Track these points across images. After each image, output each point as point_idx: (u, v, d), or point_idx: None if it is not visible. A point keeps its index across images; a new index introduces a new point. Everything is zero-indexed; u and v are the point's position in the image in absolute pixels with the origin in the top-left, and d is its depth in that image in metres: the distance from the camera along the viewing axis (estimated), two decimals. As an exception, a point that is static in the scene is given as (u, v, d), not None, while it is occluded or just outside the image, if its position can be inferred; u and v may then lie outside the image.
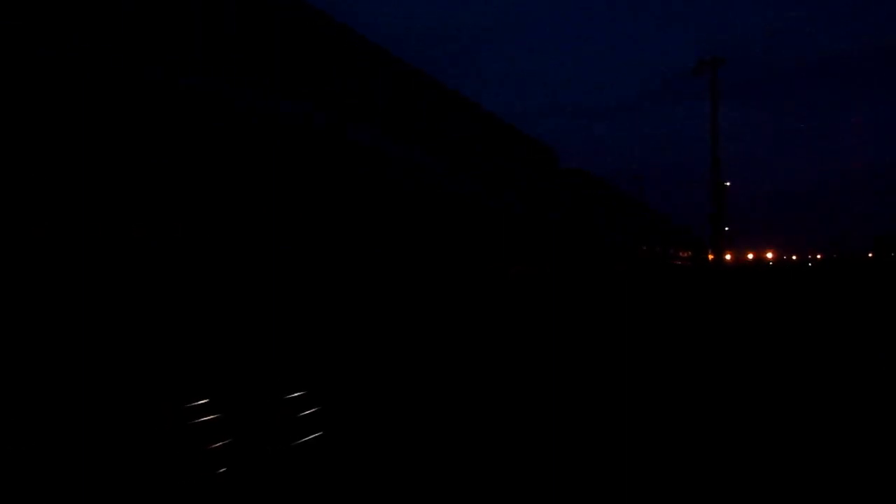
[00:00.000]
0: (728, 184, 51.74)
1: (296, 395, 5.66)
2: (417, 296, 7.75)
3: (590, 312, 15.06)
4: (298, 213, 5.77)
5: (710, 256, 49.93)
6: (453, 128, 8.87)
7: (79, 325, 4.02)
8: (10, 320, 3.71)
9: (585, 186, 16.52)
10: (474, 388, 8.30)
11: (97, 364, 4.11)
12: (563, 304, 13.34)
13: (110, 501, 4.11)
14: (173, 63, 4.63)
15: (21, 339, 3.76)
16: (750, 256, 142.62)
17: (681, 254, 35.53)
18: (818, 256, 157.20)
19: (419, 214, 7.84)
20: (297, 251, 5.80)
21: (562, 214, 13.94)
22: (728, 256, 66.43)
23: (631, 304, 18.81)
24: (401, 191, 7.41)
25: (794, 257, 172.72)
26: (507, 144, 10.91)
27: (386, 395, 6.86)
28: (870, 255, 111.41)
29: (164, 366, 4.56)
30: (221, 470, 4.87)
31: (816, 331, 15.80)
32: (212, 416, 4.82)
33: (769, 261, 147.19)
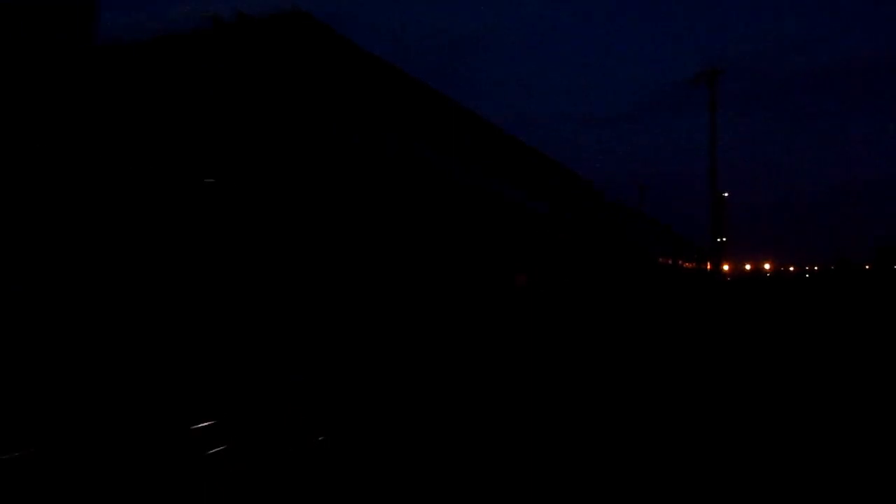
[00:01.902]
0: (726, 194, 51.90)
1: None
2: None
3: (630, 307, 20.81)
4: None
5: (709, 266, 50.18)
6: (559, 188, 14.80)
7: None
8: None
9: (622, 214, 23.21)
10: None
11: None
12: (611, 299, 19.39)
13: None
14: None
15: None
16: (748, 267, 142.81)
17: (686, 265, 41.70)
18: (815, 268, 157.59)
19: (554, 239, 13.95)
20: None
21: (607, 236, 20.62)
22: (726, 267, 66.50)
23: (657, 303, 24.68)
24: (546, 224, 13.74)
25: (791, 268, 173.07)
26: (578, 188, 16.95)
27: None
28: (867, 266, 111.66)
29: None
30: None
31: (803, 337, 15.91)
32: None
33: (766, 272, 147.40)
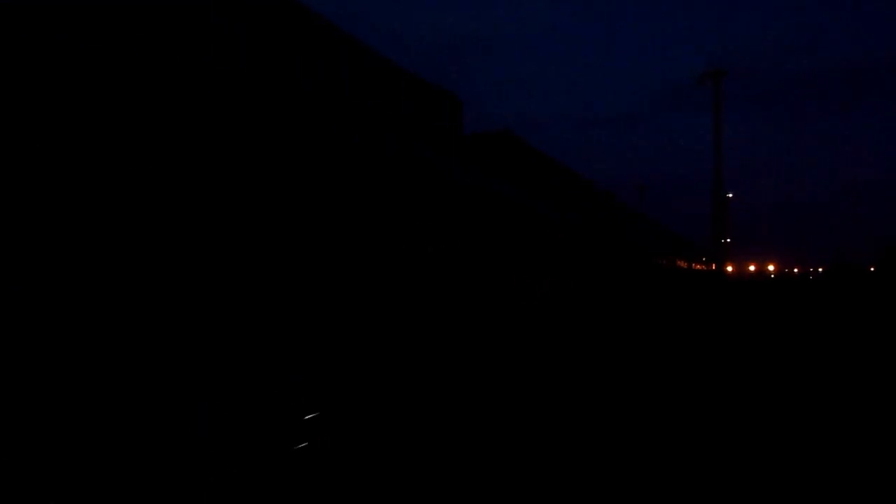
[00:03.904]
0: (730, 195, 51.75)
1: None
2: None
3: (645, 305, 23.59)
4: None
5: (713, 267, 50.12)
6: (583, 200, 18.47)
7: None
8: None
9: (623, 215, 25.11)
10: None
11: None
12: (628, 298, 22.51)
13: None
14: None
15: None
16: (752, 268, 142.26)
17: (692, 265, 45.75)
18: (819, 269, 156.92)
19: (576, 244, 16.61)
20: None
21: (625, 243, 23.10)
22: (730, 268, 66.29)
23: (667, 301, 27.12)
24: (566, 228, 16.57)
25: (795, 269, 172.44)
26: (578, 188, 19.34)
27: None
28: (871, 268, 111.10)
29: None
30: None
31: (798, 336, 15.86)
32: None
33: (770, 273, 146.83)
